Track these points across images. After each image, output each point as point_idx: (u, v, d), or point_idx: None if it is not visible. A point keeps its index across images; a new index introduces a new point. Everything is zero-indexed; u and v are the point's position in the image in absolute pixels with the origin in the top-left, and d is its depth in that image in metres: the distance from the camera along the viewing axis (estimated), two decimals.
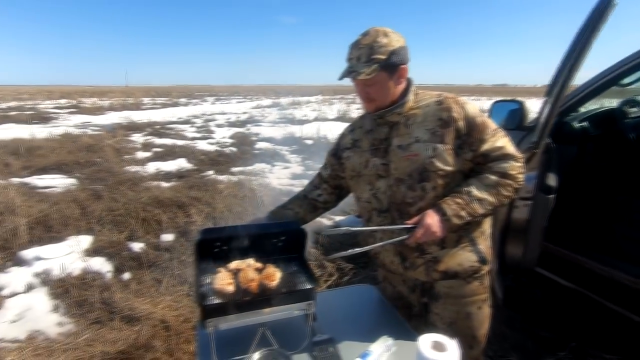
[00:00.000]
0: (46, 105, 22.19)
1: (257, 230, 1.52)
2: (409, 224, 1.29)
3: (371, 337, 1.44)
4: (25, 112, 16.91)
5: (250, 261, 1.47)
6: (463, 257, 1.37)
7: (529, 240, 1.86)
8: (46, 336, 2.50)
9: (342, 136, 1.56)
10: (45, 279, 3.19)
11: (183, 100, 30.27)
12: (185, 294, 2.94)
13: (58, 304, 2.85)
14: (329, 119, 15.01)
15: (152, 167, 6.94)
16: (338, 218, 4.53)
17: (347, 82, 1.33)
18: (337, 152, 1.56)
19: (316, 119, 14.83)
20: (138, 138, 10.74)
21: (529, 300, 2.54)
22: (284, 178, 6.47)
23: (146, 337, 2.40)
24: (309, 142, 9.80)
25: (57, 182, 6.09)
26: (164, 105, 24.84)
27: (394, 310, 1.59)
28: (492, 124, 1.29)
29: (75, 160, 7.41)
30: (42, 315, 2.73)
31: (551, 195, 1.80)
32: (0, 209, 4.34)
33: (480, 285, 1.43)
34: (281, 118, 16.68)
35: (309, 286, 1.37)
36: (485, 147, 1.26)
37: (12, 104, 24.59)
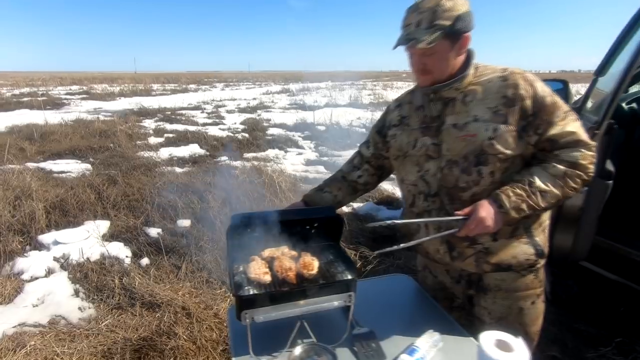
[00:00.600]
0: (58, 91, 22.30)
1: (290, 216, 1.42)
2: (460, 214, 1.17)
3: (413, 330, 1.35)
4: (38, 98, 17.00)
5: (284, 249, 1.38)
6: (518, 250, 1.26)
7: (581, 230, 1.73)
8: (68, 321, 2.48)
9: (388, 112, 1.44)
10: (64, 263, 3.18)
11: (192, 86, 30.16)
12: (205, 280, 2.89)
13: (78, 289, 2.83)
14: (340, 105, 14.78)
15: (165, 153, 6.89)
16: (356, 205, 4.43)
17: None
18: (382, 129, 1.44)
19: (327, 105, 14.62)
20: (150, 124, 10.70)
21: (564, 293, 2.43)
22: (298, 164, 6.38)
23: (168, 323, 2.36)
24: (322, 128, 9.65)
25: (71, 167, 6.08)
26: (174, 92, 24.78)
27: (435, 303, 1.49)
28: (564, 106, 1.14)
29: (89, 145, 7.40)
30: (63, 299, 2.71)
31: (610, 181, 1.66)
32: (17, 193, 4.33)
33: (535, 279, 1.32)
34: (291, 104, 16.49)
35: (349, 276, 1.28)
36: (554, 131, 1.12)
37: (25, 89, 24.78)
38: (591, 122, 1.75)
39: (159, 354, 2.15)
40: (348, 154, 6.67)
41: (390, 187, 5.12)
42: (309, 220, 1.43)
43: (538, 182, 1.13)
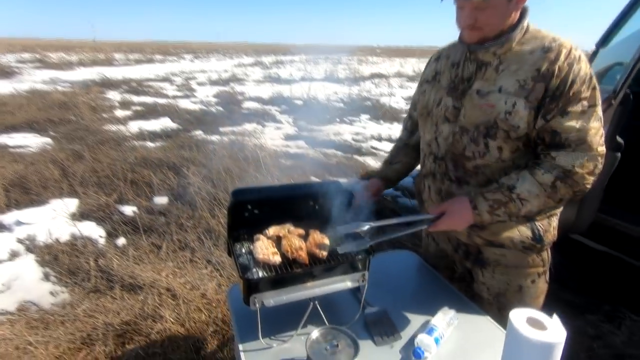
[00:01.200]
0: (7, 59, 20.37)
1: (295, 191, 1.31)
2: (434, 213, 1.16)
3: (424, 307, 1.30)
4: None
5: (289, 226, 1.27)
6: (514, 231, 1.22)
7: (585, 203, 1.73)
8: (39, 307, 2.29)
9: (427, 65, 1.39)
10: (30, 245, 2.92)
11: (158, 57, 28.49)
12: (189, 260, 2.75)
13: (48, 272, 2.61)
14: (316, 79, 14.45)
15: (134, 126, 6.47)
16: (342, 180, 4.35)
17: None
18: (421, 85, 1.40)
19: (303, 79, 14.25)
20: (114, 95, 10.01)
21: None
22: (278, 139, 6.19)
23: (152, 306, 2.23)
24: (299, 102, 9.40)
25: (29, 141, 5.59)
26: (138, 62, 23.28)
27: (444, 280, 1.45)
28: (591, 99, 1.04)
29: (48, 117, 6.82)
30: (32, 284, 2.50)
31: (618, 154, 1.65)
32: None
33: (538, 258, 1.29)
34: (266, 77, 15.95)
35: (361, 255, 1.20)
36: (561, 123, 1.04)
37: None
38: None
39: (145, 338, 2.03)
40: (328, 129, 6.51)
41: (374, 162, 5.08)
42: (315, 196, 1.32)
43: (520, 188, 1.09)
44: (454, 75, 1.21)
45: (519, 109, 1.06)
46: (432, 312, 1.28)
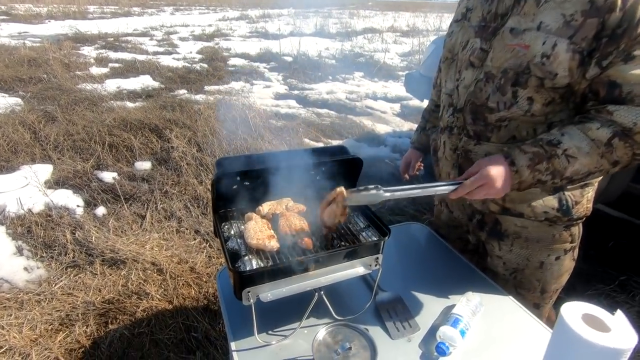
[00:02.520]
0: None
1: (293, 158, 1.08)
2: (458, 180, 0.94)
3: (442, 289, 1.14)
4: None
5: (288, 202, 1.06)
6: (538, 199, 1.06)
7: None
8: (12, 284, 2.10)
9: (459, 2, 1.19)
10: (0, 216, 2.68)
11: (136, 9, 26.56)
12: (175, 230, 2.56)
13: (21, 246, 2.40)
14: (306, 34, 13.65)
15: (112, 85, 6.00)
16: (334, 142, 4.12)
17: None
18: (450, 26, 1.22)
19: (292, 34, 13.45)
20: (89, 51, 9.27)
21: None
22: (267, 98, 5.83)
23: (136, 282, 2.06)
24: (289, 59, 8.86)
25: None
26: (115, 15, 21.66)
27: (460, 256, 1.29)
28: None
29: (16, 75, 6.26)
30: (4, 259, 2.29)
31: None
32: None
33: (566, 232, 1.13)
34: (252, 32, 15.03)
35: (374, 234, 1.01)
36: (624, 70, 0.83)
37: None
38: None
39: (130, 317, 1.88)
40: (320, 87, 6.14)
41: (370, 122, 4.83)
42: (316, 164, 1.10)
43: (567, 144, 0.88)
44: (486, 11, 1.03)
45: (559, 51, 0.86)
46: (451, 293, 1.13)
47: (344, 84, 6.92)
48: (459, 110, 1.11)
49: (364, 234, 1.00)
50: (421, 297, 1.12)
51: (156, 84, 6.35)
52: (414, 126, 4.90)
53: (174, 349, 1.73)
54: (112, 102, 5.11)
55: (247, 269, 0.85)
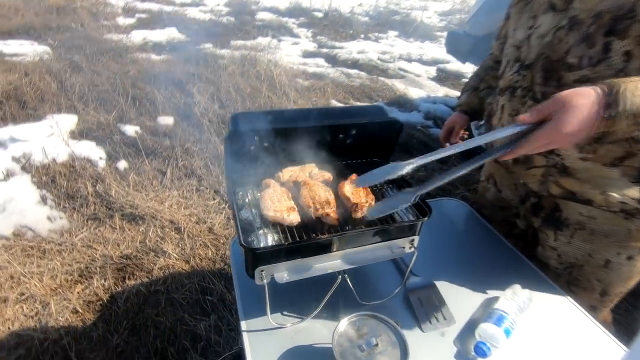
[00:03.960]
0: None
1: (318, 118, 0.92)
2: (527, 121, 0.68)
3: (483, 278, 1.00)
4: None
5: (312, 168, 0.92)
6: (613, 185, 0.86)
7: None
8: (35, 233, 2.12)
9: None
10: (26, 164, 2.70)
11: None
12: (195, 189, 2.50)
13: (45, 195, 2.41)
14: None
15: (137, 36, 5.86)
16: (358, 103, 3.88)
17: None
18: None
19: None
20: (117, 1, 9.09)
21: None
22: (295, 55, 5.54)
23: (154, 239, 2.03)
24: (319, 14, 8.36)
25: (26, 49, 5.12)
26: None
27: (505, 242, 1.13)
28: None
29: (45, 24, 6.21)
30: (28, 207, 2.31)
31: None
32: None
33: None
34: None
35: (413, 215, 0.86)
36: None
37: None
38: None
39: (147, 274, 1.86)
40: (351, 46, 5.77)
41: (402, 85, 4.51)
42: (346, 127, 0.94)
43: None
44: None
45: None
46: (493, 284, 0.98)
47: (377, 44, 6.49)
48: (527, 67, 0.90)
49: (400, 212, 0.85)
50: (458, 285, 0.98)
51: (182, 37, 6.16)
52: (451, 92, 4.55)
53: (189, 309, 1.70)
54: (137, 54, 4.99)
55: (262, 245, 0.73)
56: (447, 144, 1.34)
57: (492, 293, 0.96)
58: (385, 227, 0.79)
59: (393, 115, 0.93)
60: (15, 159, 2.74)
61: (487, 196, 1.25)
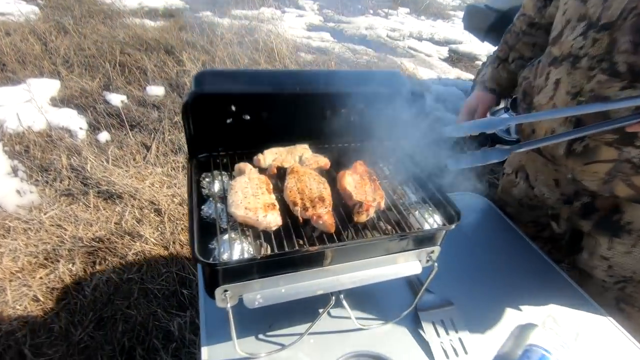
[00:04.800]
0: None
1: (318, 83, 0.70)
2: None
3: (511, 294, 0.80)
4: None
5: (304, 150, 0.70)
6: None
7: None
8: (2, 208, 1.91)
9: None
10: None
11: None
12: (181, 167, 2.28)
13: (16, 166, 2.19)
14: None
15: (132, 1, 5.51)
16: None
17: None
18: None
19: None
20: None
21: None
22: (299, 28, 5.21)
23: (131, 221, 1.83)
24: None
25: (12, 7, 4.79)
26: None
27: (537, 250, 0.93)
28: None
29: None
30: None
31: None
32: None
33: None
34: None
35: (436, 218, 0.65)
36: None
37: None
38: None
39: (120, 259, 1.67)
40: (359, 21, 5.39)
41: (412, 65, 4.22)
42: (351, 97, 0.72)
43: None
44: None
45: None
46: (523, 302, 0.79)
47: (386, 20, 6.13)
48: (603, 27, 0.67)
49: (416, 213, 0.64)
50: (480, 304, 0.78)
51: (180, 3, 5.79)
52: (463, 74, 4.27)
53: (164, 302, 1.52)
54: (130, 18, 4.67)
55: (225, 256, 0.52)
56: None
57: (524, 316, 0.76)
58: (396, 237, 0.58)
59: (415, 89, 0.71)
60: None
61: (513, 192, 1.05)
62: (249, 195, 0.56)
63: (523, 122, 0.62)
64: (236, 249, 0.52)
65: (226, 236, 0.54)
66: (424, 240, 0.62)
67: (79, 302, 1.50)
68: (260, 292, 0.55)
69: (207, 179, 0.65)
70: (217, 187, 0.63)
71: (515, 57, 1.01)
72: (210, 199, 0.61)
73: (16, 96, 2.85)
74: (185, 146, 2.00)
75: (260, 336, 0.68)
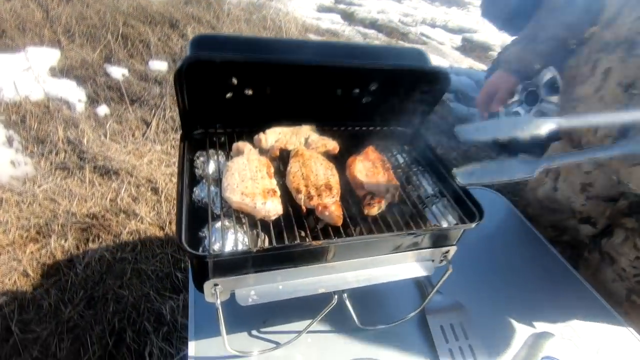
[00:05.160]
0: None
1: (330, 56, 0.62)
2: None
3: (527, 301, 0.75)
4: None
5: (311, 132, 0.63)
6: None
7: None
8: None
9: None
10: None
11: None
12: None
13: (12, 136, 2.13)
14: None
15: None
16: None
17: None
18: None
19: None
20: None
21: None
22: (309, 9, 5.05)
23: (127, 199, 1.77)
24: None
25: None
26: None
27: (558, 256, 0.87)
28: None
29: None
30: None
31: None
32: None
33: None
34: None
35: (452, 216, 0.58)
36: None
37: None
38: None
39: (114, 237, 1.62)
40: (371, 4, 5.20)
41: None
42: (366, 73, 0.64)
43: None
44: None
45: None
46: (540, 309, 0.73)
47: (399, 4, 5.94)
48: None
49: (433, 208, 0.57)
50: (494, 308, 0.72)
51: None
52: (476, 64, 4.14)
53: (158, 284, 1.47)
54: None
55: (216, 246, 0.45)
56: (486, 114, 1.03)
57: (539, 324, 0.71)
58: (408, 233, 0.52)
59: (436, 66, 0.63)
60: None
61: (538, 192, 0.97)
62: (246, 178, 0.49)
63: (574, 125, 0.52)
64: (229, 239, 0.46)
65: (219, 224, 0.48)
66: (439, 238, 0.55)
67: (70, 280, 1.46)
68: (255, 288, 0.49)
69: (201, 158, 0.58)
70: (212, 167, 0.57)
71: (547, 37, 0.89)
72: (204, 180, 0.55)
73: (14, 64, 2.76)
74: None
75: (254, 332, 0.62)
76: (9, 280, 1.42)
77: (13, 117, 2.27)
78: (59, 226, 1.62)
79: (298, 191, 0.50)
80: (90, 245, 1.58)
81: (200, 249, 0.46)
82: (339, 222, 0.49)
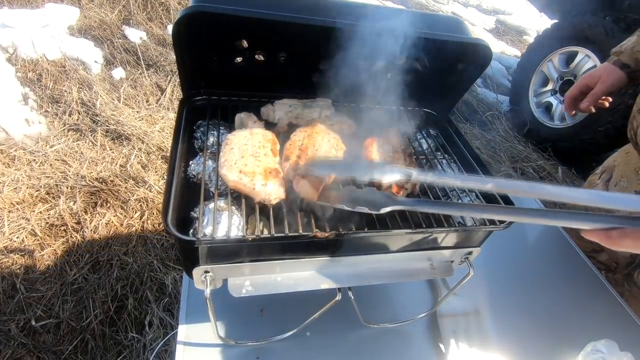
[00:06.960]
0: None
1: (356, 20, 0.54)
2: None
3: (552, 312, 0.68)
4: None
5: (326, 108, 0.56)
6: None
7: None
8: (8, 135, 1.85)
9: None
10: (12, 56, 2.37)
11: None
12: None
13: (27, 94, 2.11)
14: None
15: None
16: None
17: None
18: None
19: None
20: None
21: None
22: None
23: (137, 166, 1.75)
24: None
25: None
26: None
27: (592, 268, 0.79)
28: None
29: None
30: (7, 104, 2.03)
31: None
32: None
33: None
34: None
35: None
36: None
37: None
38: None
39: (122, 204, 1.60)
40: None
41: None
42: (400, 42, 0.56)
43: None
44: None
45: None
46: (567, 325, 0.67)
47: None
48: None
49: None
50: (514, 317, 0.66)
51: None
52: (508, 49, 3.91)
53: (162, 253, 1.46)
54: None
55: (207, 231, 0.40)
56: (574, 112, 0.88)
57: (565, 338, 0.64)
58: (433, 231, 0.45)
59: (477, 40, 0.54)
60: (2, 48, 2.42)
61: None
62: (247, 155, 0.43)
63: (428, 181, 0.43)
64: (223, 223, 0.40)
65: (212, 204, 0.42)
66: (462, 239, 0.48)
67: (77, 242, 1.46)
68: (250, 278, 0.44)
69: (201, 129, 0.52)
70: (211, 139, 0.51)
71: None
72: (202, 153, 0.49)
73: (33, 20, 2.72)
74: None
75: (249, 321, 0.58)
76: (17, 238, 1.42)
77: (29, 75, 2.25)
78: (69, 188, 1.61)
79: (286, 159, 0.44)
80: (99, 209, 1.57)
81: (191, 231, 0.41)
82: (314, 198, 0.42)
